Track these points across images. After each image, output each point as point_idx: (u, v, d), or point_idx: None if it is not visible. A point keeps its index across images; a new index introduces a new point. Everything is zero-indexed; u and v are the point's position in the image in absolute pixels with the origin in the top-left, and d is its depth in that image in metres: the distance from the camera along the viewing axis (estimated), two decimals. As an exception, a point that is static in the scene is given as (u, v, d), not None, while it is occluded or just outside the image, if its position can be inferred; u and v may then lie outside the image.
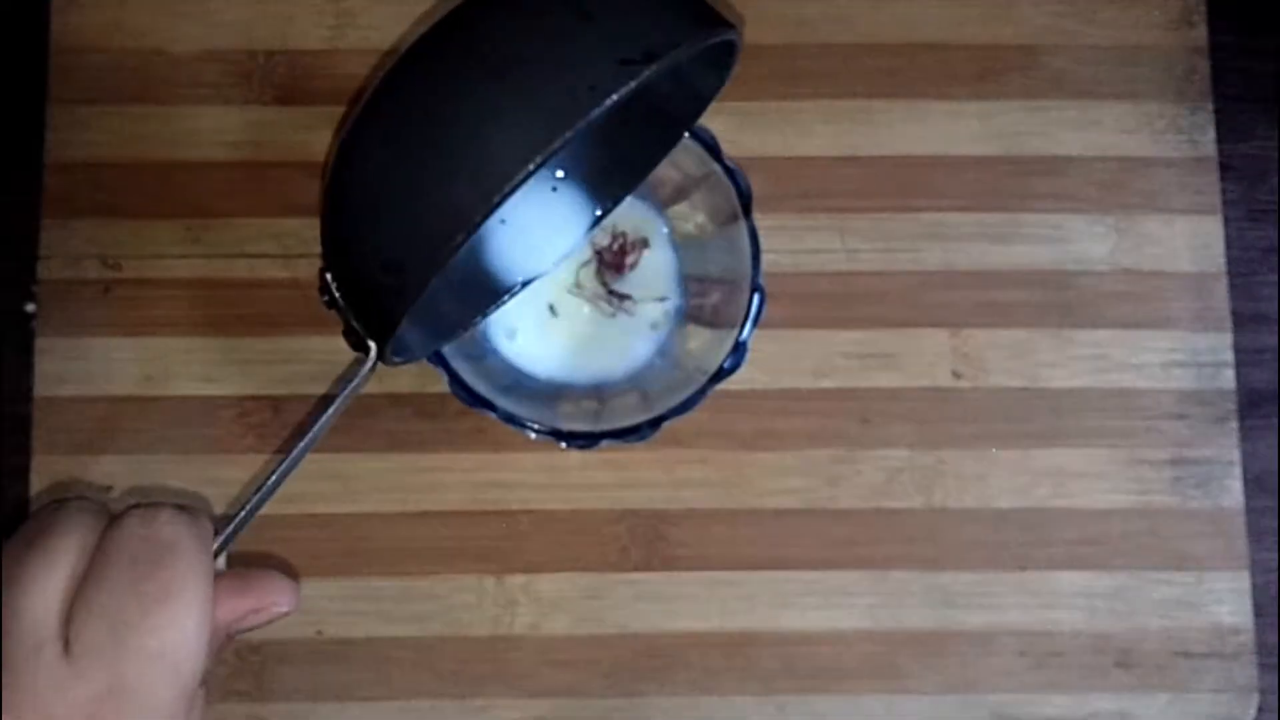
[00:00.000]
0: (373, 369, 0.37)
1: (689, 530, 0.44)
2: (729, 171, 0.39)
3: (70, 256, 0.45)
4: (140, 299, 0.45)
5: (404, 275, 0.34)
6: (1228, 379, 0.45)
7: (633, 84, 0.33)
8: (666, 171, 0.41)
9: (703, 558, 0.44)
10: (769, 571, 0.44)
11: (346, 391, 0.38)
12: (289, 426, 0.44)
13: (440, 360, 0.39)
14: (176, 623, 0.34)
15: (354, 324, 0.37)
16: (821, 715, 0.44)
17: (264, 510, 0.44)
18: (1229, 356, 0.46)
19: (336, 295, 0.36)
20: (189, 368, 0.45)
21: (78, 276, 0.45)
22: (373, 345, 0.37)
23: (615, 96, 0.33)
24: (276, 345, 0.45)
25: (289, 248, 0.45)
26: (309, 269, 0.45)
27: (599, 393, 0.43)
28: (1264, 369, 0.46)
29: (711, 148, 0.39)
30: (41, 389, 0.44)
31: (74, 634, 0.33)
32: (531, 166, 0.33)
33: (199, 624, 0.34)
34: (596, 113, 0.33)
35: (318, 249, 0.45)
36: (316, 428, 0.38)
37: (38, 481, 0.44)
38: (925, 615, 0.44)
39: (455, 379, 0.39)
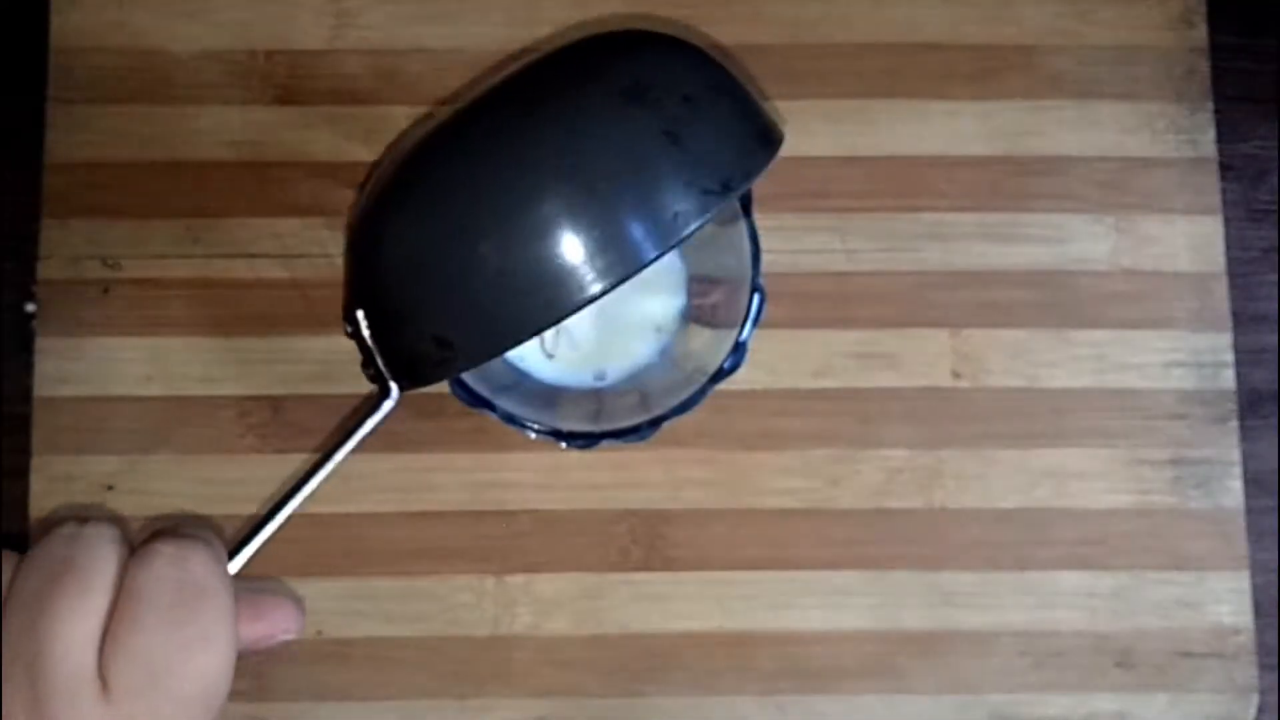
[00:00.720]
0: (392, 411, 0.37)
1: (689, 530, 0.44)
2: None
3: (70, 256, 0.45)
4: (140, 299, 0.45)
5: (453, 351, 0.34)
6: (1228, 379, 0.45)
7: (710, 215, 0.33)
8: None
9: (703, 558, 0.44)
10: (769, 571, 0.44)
11: (364, 430, 0.38)
12: (289, 426, 0.44)
13: None
14: (214, 666, 0.34)
15: (381, 367, 0.37)
16: (821, 715, 0.44)
17: (264, 511, 0.44)
18: (1229, 356, 0.45)
19: (367, 337, 0.36)
20: (189, 368, 0.45)
21: (78, 276, 0.45)
22: (395, 388, 0.37)
23: (694, 227, 0.33)
24: (276, 345, 0.45)
25: (289, 248, 0.45)
26: (309, 269, 0.45)
27: (599, 393, 0.43)
28: (1264, 369, 0.46)
29: None
30: (41, 389, 0.44)
31: (112, 676, 0.33)
32: (606, 288, 0.33)
33: (230, 663, 0.35)
34: (674, 243, 0.33)
35: (318, 249, 0.45)
36: (329, 465, 0.38)
37: (38, 481, 0.44)
38: (925, 615, 0.44)
39: (455, 379, 0.39)
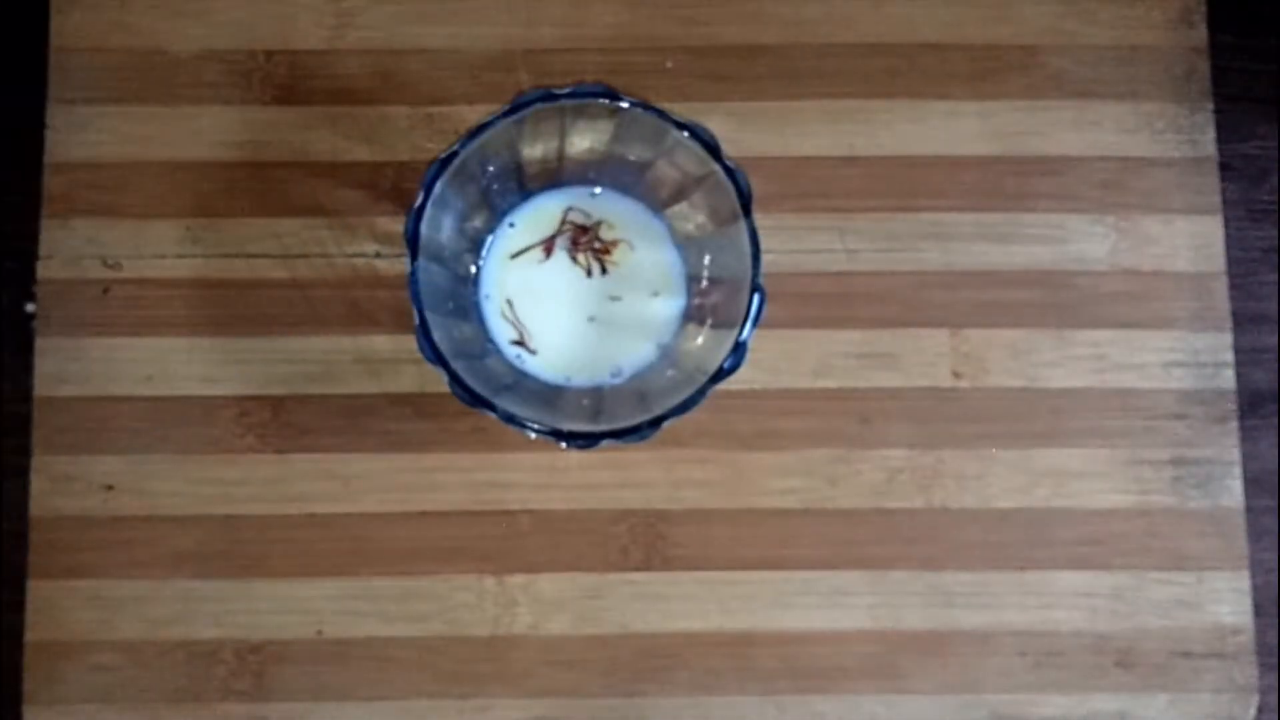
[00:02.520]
0: None
1: (689, 530, 0.44)
2: (729, 171, 0.39)
3: (70, 256, 0.45)
4: (140, 299, 0.45)
5: None
6: (1228, 379, 0.45)
7: None
8: (666, 172, 0.41)
9: (703, 558, 0.44)
10: (769, 571, 0.44)
11: None
12: (289, 426, 0.44)
13: (440, 360, 0.39)
14: None
15: None
16: (821, 715, 0.44)
17: (265, 511, 0.44)
18: (1229, 356, 0.46)
19: None
20: (189, 368, 0.45)
21: (78, 276, 0.45)
22: None
23: None
24: (276, 345, 0.45)
25: (289, 248, 0.45)
26: (309, 269, 0.45)
27: (598, 392, 0.43)
28: (1264, 369, 0.46)
29: (712, 148, 0.39)
30: (41, 389, 0.44)
31: None
32: None
33: None
34: None
35: (317, 249, 0.45)
36: None
37: (38, 481, 0.44)
38: (925, 615, 0.44)
39: (455, 379, 0.39)
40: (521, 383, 0.43)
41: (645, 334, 0.44)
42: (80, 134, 0.46)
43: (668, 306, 0.44)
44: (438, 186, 0.38)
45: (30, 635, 0.44)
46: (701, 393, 0.39)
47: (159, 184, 0.45)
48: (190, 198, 0.45)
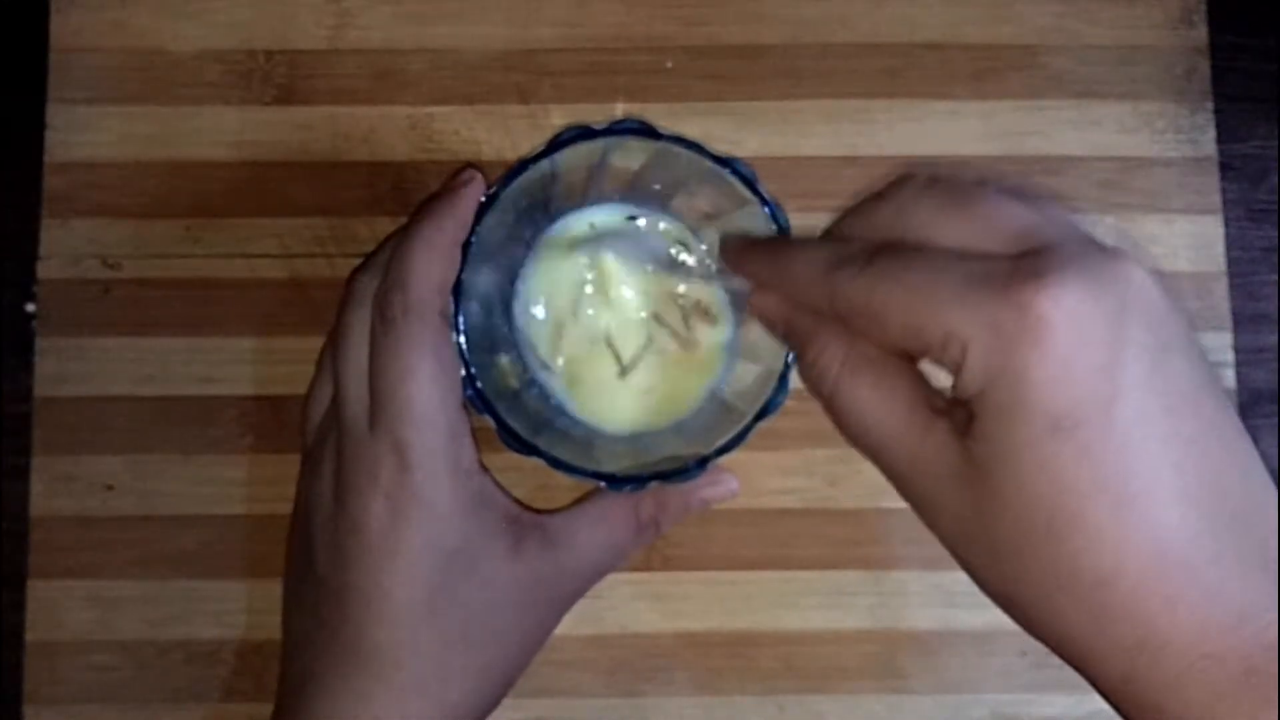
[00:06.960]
0: None
1: (689, 530, 0.44)
2: (766, 204, 0.38)
3: (70, 256, 0.45)
4: (140, 299, 0.45)
5: None
6: (1228, 379, 0.45)
7: None
8: (697, 201, 0.40)
9: (703, 558, 0.44)
10: (769, 571, 0.44)
11: None
12: (289, 426, 0.44)
13: (487, 406, 0.38)
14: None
15: None
16: (821, 715, 0.44)
17: (265, 511, 0.44)
18: (1229, 356, 0.45)
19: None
20: (189, 368, 0.45)
21: (78, 276, 0.45)
22: None
23: None
24: (276, 345, 0.45)
25: (289, 248, 0.45)
26: (309, 269, 0.45)
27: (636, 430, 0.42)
28: (1264, 369, 0.46)
29: (749, 182, 0.38)
30: (41, 389, 0.44)
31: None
32: None
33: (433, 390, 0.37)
34: None
35: (318, 249, 0.45)
36: None
37: (38, 481, 0.44)
38: (925, 615, 0.44)
39: (503, 426, 0.38)
40: (554, 421, 0.42)
41: (706, 380, 0.42)
42: (80, 134, 0.46)
43: (713, 338, 0.42)
44: (479, 233, 0.38)
45: (30, 635, 0.44)
46: (748, 430, 0.38)
47: (159, 184, 0.45)
48: (190, 198, 0.45)
